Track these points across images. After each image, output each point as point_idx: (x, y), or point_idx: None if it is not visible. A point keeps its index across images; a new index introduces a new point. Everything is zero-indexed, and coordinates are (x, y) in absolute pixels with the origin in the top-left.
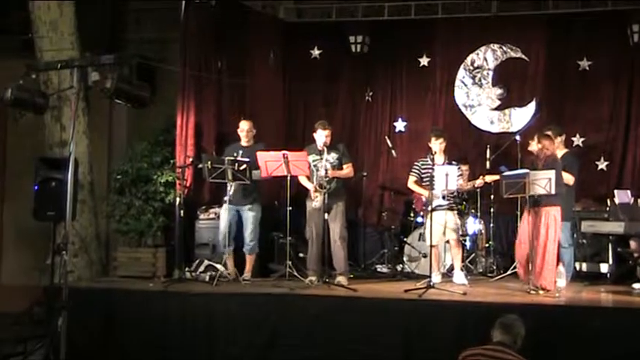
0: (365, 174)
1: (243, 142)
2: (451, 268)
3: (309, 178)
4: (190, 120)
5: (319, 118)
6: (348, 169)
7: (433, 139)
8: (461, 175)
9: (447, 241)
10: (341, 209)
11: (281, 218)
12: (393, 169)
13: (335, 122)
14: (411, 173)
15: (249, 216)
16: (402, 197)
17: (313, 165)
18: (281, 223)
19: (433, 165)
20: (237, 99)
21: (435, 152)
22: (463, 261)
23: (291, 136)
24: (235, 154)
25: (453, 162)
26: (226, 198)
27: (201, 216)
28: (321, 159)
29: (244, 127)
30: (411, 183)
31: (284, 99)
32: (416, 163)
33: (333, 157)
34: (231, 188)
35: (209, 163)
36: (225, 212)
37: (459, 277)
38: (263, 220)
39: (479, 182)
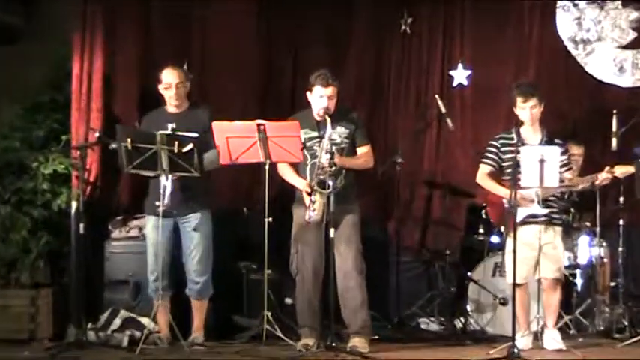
0: (399, 160)
1: (171, 107)
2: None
3: (296, 171)
4: (96, 67)
5: (318, 65)
6: (364, 156)
7: (520, 99)
8: (568, 165)
9: (538, 280)
10: (354, 222)
11: (253, 237)
12: (449, 151)
13: (347, 72)
14: (484, 159)
15: (194, 234)
16: (464, 200)
17: (307, 147)
18: (253, 245)
19: (522, 144)
20: (179, 34)
21: (524, 122)
22: (572, 311)
23: (271, 100)
24: (154, 127)
25: (557, 140)
26: (159, 204)
27: (116, 233)
28: (321, 138)
29: (170, 78)
30: (483, 176)
31: (259, 35)
32: (492, 142)
33: (341, 133)
34: (166, 187)
35: (129, 140)
36: (153, 230)
37: (552, 338)
38: (223, 240)
39: (603, 177)
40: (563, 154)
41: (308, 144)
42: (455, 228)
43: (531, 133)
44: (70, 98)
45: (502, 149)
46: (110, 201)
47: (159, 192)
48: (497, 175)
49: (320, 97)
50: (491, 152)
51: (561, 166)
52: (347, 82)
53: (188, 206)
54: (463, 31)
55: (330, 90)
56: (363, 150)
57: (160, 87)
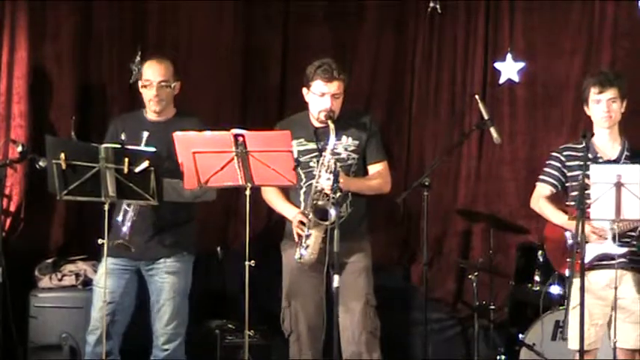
0: (427, 183)
1: (150, 113)
2: None
3: (286, 195)
4: (19, 58)
5: (316, 52)
6: (378, 176)
7: (594, 89)
8: None
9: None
10: (363, 265)
11: (229, 287)
12: (493, 171)
13: (355, 63)
14: (543, 176)
15: (164, 285)
16: (515, 237)
17: (302, 163)
18: (230, 297)
19: (594, 158)
20: (130, 14)
21: (592, 132)
22: None
23: (252, 100)
24: (127, 137)
25: None
26: (102, 241)
27: (44, 281)
28: (321, 150)
29: (151, 74)
30: (540, 199)
31: (236, 12)
32: (555, 154)
33: (347, 145)
34: (127, 212)
35: (63, 156)
36: (103, 276)
37: None
38: (190, 290)
39: None
40: None
41: (303, 159)
42: (502, 275)
43: (608, 143)
44: None
45: (568, 164)
46: (37, 238)
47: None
48: (557, 198)
49: (321, 96)
50: (552, 167)
51: None
52: (355, 77)
53: (157, 247)
54: (512, 10)
55: (334, 86)
56: (376, 168)
57: (141, 84)
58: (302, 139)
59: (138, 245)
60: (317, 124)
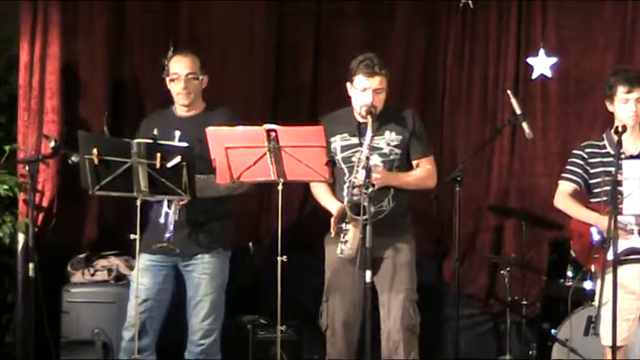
0: (459, 178)
1: (180, 109)
2: None
3: (332, 189)
4: (51, 54)
5: (348, 48)
6: (423, 169)
7: (622, 88)
8: None
9: None
10: (405, 260)
11: (261, 282)
12: (526, 166)
13: (388, 59)
14: (566, 174)
15: (201, 282)
16: (547, 233)
17: (344, 157)
18: (261, 292)
19: (618, 155)
20: (162, 9)
21: (624, 127)
22: None
23: (284, 96)
24: (159, 133)
25: None
26: (168, 236)
27: (77, 277)
28: (363, 144)
29: (178, 68)
30: (565, 197)
31: (268, 8)
32: (577, 152)
33: (390, 140)
34: (168, 214)
35: (95, 151)
36: (140, 272)
37: None
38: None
39: None
40: None
41: (346, 154)
42: (534, 270)
43: (629, 139)
44: (17, 95)
45: (590, 161)
46: (70, 233)
47: (162, 223)
48: (579, 195)
49: (363, 91)
50: (575, 165)
51: None
52: (393, 74)
53: (194, 243)
54: (545, 7)
55: (376, 81)
56: (420, 161)
57: (168, 79)
58: (346, 134)
59: (177, 242)
60: (360, 119)
